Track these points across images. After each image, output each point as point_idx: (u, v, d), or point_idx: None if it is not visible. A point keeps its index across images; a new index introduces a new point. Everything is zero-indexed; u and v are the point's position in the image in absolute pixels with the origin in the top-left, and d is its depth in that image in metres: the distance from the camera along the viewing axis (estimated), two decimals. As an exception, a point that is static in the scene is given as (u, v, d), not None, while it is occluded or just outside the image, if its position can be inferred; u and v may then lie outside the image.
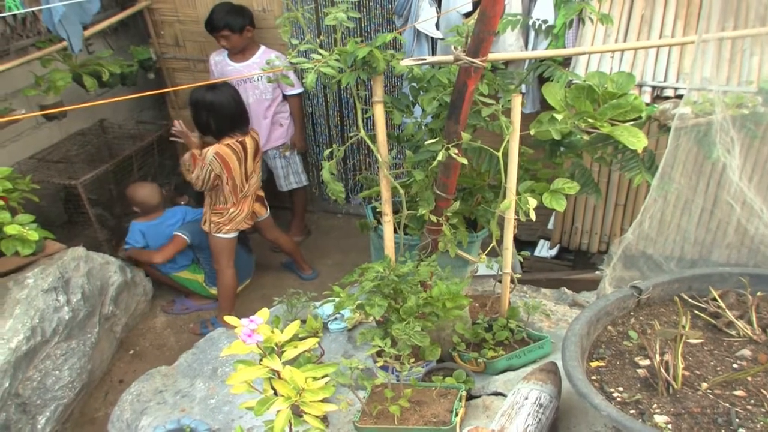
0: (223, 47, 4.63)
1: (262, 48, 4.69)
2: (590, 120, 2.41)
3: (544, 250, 4.61)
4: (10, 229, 3.17)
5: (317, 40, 2.34)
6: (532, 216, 2.50)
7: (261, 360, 1.92)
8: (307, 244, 5.30)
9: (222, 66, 4.73)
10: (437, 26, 3.90)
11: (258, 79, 4.65)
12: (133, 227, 4.55)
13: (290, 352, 1.96)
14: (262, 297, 4.73)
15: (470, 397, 2.60)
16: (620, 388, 2.02)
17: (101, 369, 4.09)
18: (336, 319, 3.26)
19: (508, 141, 2.44)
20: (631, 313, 2.37)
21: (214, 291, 4.66)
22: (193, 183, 4.08)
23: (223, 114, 4.02)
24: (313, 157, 5.43)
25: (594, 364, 2.16)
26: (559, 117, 2.39)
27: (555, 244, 4.44)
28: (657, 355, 2.02)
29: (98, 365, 4.02)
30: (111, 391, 4.04)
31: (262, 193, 4.54)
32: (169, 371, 3.43)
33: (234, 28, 4.46)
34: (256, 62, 4.64)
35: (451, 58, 2.15)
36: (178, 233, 4.52)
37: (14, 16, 3.25)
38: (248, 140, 4.15)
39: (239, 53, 4.65)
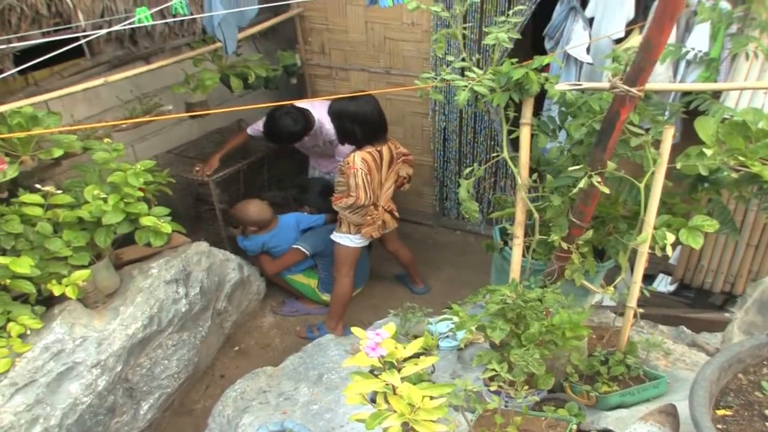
0: None
1: (316, 115, 4.68)
2: (741, 158, 2.29)
3: (662, 284, 4.44)
4: (145, 220, 3.28)
5: (472, 58, 2.32)
6: (669, 252, 2.41)
7: (378, 373, 1.91)
8: (422, 257, 5.26)
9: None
10: (588, 50, 3.85)
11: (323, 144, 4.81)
12: (254, 239, 4.66)
13: (409, 369, 1.94)
14: (372, 307, 4.76)
15: (579, 431, 2.52)
16: (745, 440, 1.93)
17: (206, 362, 4.17)
18: (447, 336, 3.23)
19: (652, 173, 2.35)
20: (765, 363, 2.25)
21: (325, 297, 4.70)
22: (357, 198, 4.10)
23: (366, 124, 4.09)
24: (439, 171, 5.41)
25: (720, 412, 2.08)
26: (708, 152, 2.29)
27: (676, 280, 4.28)
28: (790, 411, 1.91)
29: (204, 358, 4.10)
30: (211, 385, 4.13)
31: (393, 206, 4.55)
32: (274, 372, 3.47)
33: (297, 140, 4.61)
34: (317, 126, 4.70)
35: (606, 84, 2.09)
36: (297, 246, 4.60)
37: (173, 16, 3.37)
38: (385, 149, 4.20)
39: None
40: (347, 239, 4.31)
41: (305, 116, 4.53)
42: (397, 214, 4.57)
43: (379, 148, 4.14)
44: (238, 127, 5.33)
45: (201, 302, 3.90)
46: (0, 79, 3.17)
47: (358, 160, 4.02)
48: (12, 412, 2.98)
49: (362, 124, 4.09)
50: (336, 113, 4.18)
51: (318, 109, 4.61)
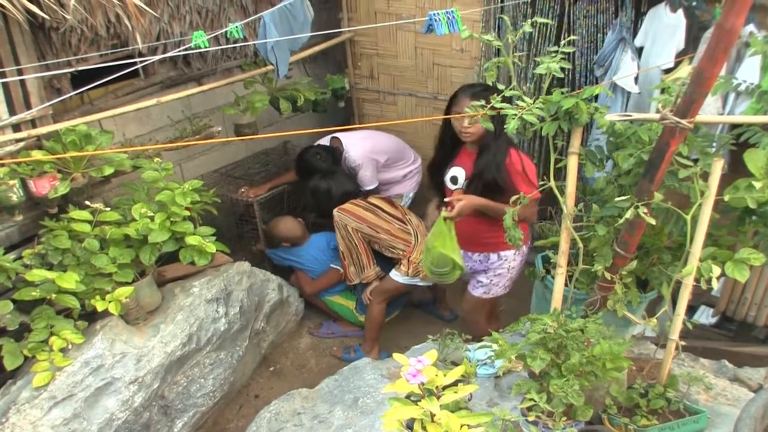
0: None
1: (345, 142, 4.80)
2: (790, 191, 2.26)
3: (704, 316, 4.37)
4: (191, 240, 3.32)
5: (522, 86, 2.33)
6: (715, 284, 2.37)
7: (417, 400, 1.91)
8: (462, 283, 5.19)
9: None
10: (636, 80, 3.86)
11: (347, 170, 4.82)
12: (283, 251, 4.77)
13: (449, 396, 1.93)
14: (410, 331, 4.70)
15: (617, 464, 2.49)
16: (789, 479, 1.89)
17: (241, 382, 4.18)
18: (485, 363, 3.20)
19: (698, 205, 2.33)
20: (813, 402, 2.19)
21: (363, 319, 4.67)
22: (353, 264, 4.44)
23: (339, 197, 4.45)
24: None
25: (764, 451, 2.03)
26: (757, 185, 2.26)
27: (718, 312, 4.20)
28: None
29: (239, 378, 4.11)
30: (245, 405, 4.13)
31: None
32: (309, 394, 3.46)
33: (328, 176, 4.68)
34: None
35: (656, 116, 2.08)
36: (335, 267, 4.65)
37: (227, 39, 3.44)
38: (370, 198, 4.42)
39: None
40: (405, 279, 4.32)
41: (332, 154, 4.63)
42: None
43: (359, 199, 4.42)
44: (284, 148, 5.41)
45: (240, 322, 3.92)
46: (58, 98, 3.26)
47: (336, 215, 4.30)
48: (49, 425, 3.02)
49: (335, 198, 4.43)
50: (311, 191, 4.55)
51: (348, 137, 4.74)
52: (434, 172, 3.75)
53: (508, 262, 3.68)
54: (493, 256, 3.68)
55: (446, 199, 3.25)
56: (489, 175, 3.36)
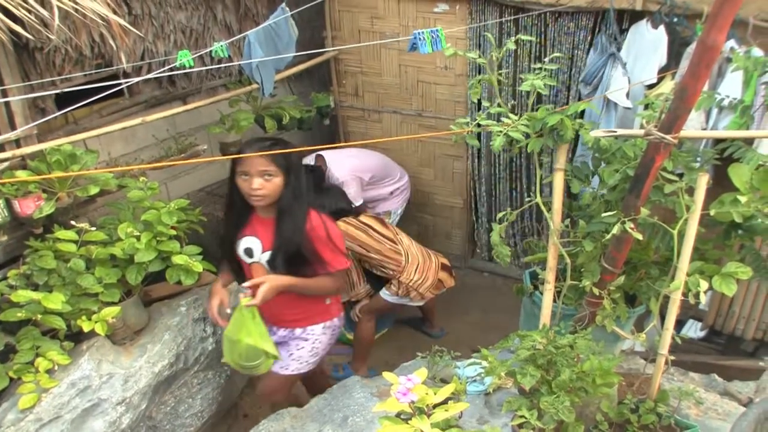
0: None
1: (327, 159, 4.82)
2: (776, 204, 2.28)
3: (692, 330, 4.39)
4: (177, 259, 3.30)
5: (508, 104, 2.34)
6: (702, 299, 2.38)
7: (407, 418, 1.90)
8: (449, 299, 5.21)
9: None
10: (627, 95, 3.90)
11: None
12: None
13: (439, 415, 1.92)
14: (398, 348, 4.70)
15: (608, 480, 2.48)
16: (780, 494, 1.89)
17: (229, 401, 4.14)
18: (475, 381, 3.19)
19: (685, 220, 2.34)
20: (803, 415, 2.20)
21: (350, 336, 4.69)
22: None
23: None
24: (469, 213, 5.44)
25: (757, 465, 2.03)
26: (742, 199, 2.28)
27: (707, 326, 4.22)
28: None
29: (227, 397, 4.07)
30: (234, 425, 4.10)
31: (447, 262, 4.55)
32: (298, 413, 3.44)
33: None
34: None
35: (641, 132, 2.10)
36: None
37: (211, 58, 3.45)
38: (362, 217, 4.36)
39: None
40: (395, 298, 4.33)
41: (313, 172, 4.63)
42: (453, 273, 4.60)
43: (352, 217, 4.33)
44: (269, 166, 5.40)
45: (228, 341, 3.88)
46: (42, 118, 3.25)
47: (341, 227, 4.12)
48: (35, 448, 2.98)
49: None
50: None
51: (333, 155, 4.76)
52: (225, 241, 3.21)
53: (314, 335, 3.28)
54: (298, 330, 3.26)
55: (245, 285, 2.91)
56: (292, 245, 2.95)
